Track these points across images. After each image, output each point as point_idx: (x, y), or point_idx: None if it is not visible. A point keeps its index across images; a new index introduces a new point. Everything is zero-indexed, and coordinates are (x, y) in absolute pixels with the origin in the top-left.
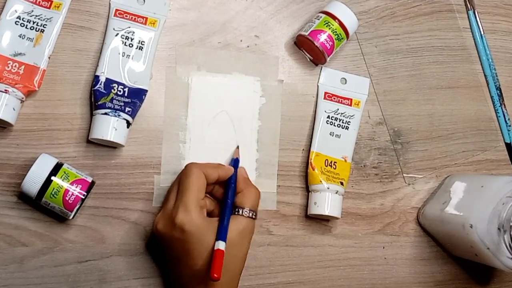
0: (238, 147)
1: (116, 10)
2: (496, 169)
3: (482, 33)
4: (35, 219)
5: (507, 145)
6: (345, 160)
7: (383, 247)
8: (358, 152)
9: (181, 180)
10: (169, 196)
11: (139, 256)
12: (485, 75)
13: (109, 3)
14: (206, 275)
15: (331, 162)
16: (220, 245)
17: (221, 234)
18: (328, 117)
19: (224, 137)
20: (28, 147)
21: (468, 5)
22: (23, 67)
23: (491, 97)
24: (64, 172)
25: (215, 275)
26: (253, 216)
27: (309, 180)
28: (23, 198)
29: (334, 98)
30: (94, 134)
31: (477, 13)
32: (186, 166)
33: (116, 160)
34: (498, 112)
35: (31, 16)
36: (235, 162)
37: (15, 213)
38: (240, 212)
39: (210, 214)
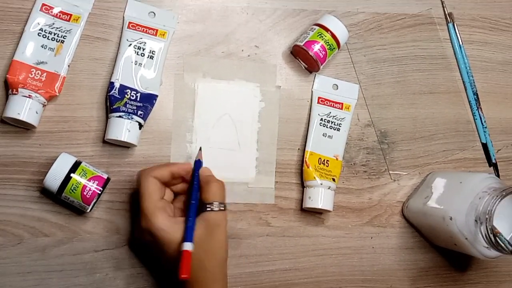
0: (200, 148)
1: (130, 22)
2: (473, 166)
3: (461, 43)
4: (56, 212)
5: (483, 145)
6: (337, 159)
7: (371, 238)
8: (348, 151)
9: (138, 188)
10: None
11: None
12: (463, 82)
13: (123, 17)
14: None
15: (324, 160)
16: (186, 246)
17: (187, 235)
18: (321, 119)
19: (227, 137)
20: (50, 147)
21: (448, 18)
22: (45, 74)
23: (469, 101)
24: (82, 170)
25: (183, 275)
26: (222, 208)
27: (304, 176)
28: (45, 193)
29: (327, 103)
30: (109, 135)
31: (456, 25)
32: (136, 175)
33: (129, 159)
34: (475, 115)
35: (52, 28)
36: (198, 164)
37: (38, 206)
38: (210, 208)
39: (185, 210)
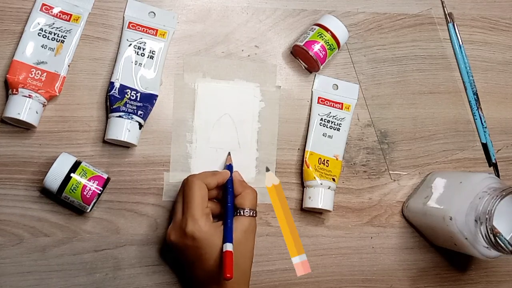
0: (229, 153)
1: (130, 22)
2: (473, 166)
3: (461, 43)
4: (56, 212)
5: (483, 145)
6: (337, 159)
7: (371, 237)
8: (348, 151)
9: (185, 193)
10: (176, 208)
11: (150, 245)
12: (463, 82)
13: (123, 17)
14: (219, 274)
15: (324, 160)
16: (228, 246)
17: (228, 236)
18: (321, 119)
19: (227, 137)
20: (50, 146)
21: (448, 18)
22: (45, 74)
23: (469, 101)
24: (82, 170)
25: (227, 275)
26: (254, 215)
27: (304, 176)
28: (45, 193)
29: (327, 103)
30: (109, 135)
31: (456, 25)
32: (187, 179)
33: (129, 159)
34: (475, 115)
35: (52, 28)
36: (229, 168)
37: (38, 206)
38: (242, 213)
39: (217, 216)
